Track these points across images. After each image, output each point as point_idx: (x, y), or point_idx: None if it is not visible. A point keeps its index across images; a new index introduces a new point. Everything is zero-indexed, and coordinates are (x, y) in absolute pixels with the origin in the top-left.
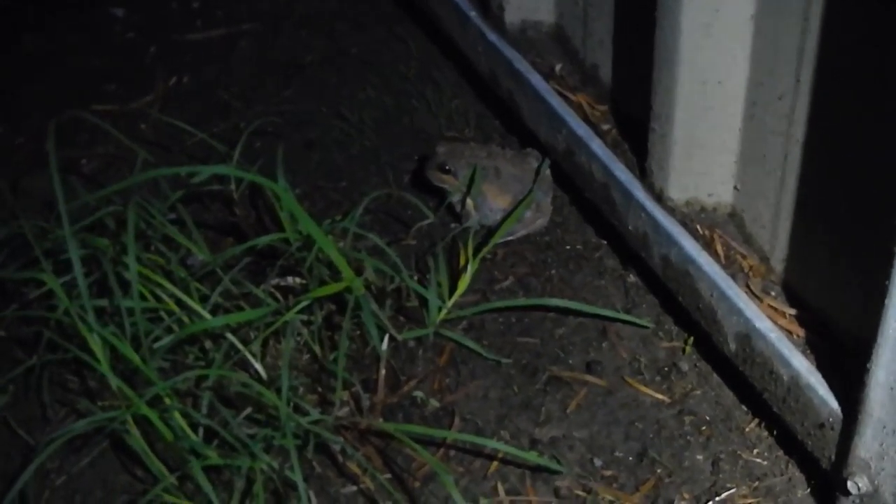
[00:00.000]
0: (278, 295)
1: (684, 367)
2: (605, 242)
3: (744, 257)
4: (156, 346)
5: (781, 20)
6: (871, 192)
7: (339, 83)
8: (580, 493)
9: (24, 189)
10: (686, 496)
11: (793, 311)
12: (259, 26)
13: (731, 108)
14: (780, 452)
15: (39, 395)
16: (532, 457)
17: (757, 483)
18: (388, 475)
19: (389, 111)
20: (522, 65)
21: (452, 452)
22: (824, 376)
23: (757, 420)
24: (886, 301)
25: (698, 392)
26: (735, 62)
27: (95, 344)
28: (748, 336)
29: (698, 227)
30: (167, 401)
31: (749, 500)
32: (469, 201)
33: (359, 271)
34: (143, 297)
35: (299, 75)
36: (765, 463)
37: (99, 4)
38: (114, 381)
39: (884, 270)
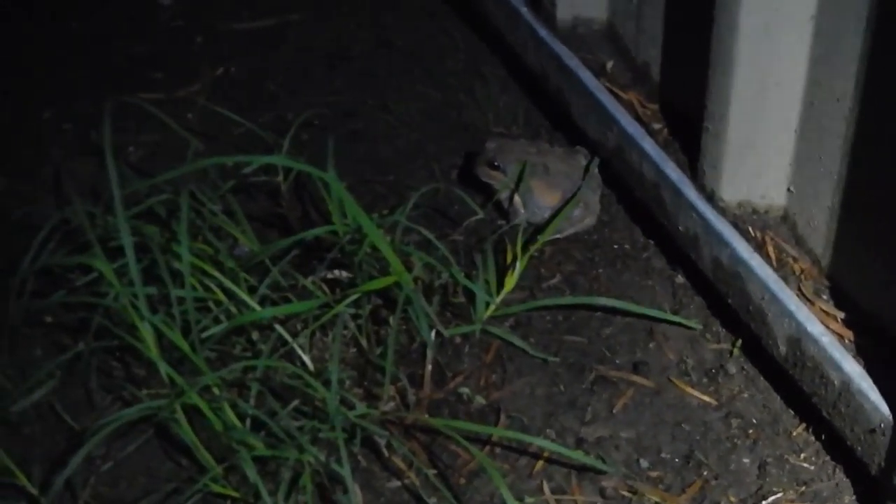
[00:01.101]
0: (326, 288)
1: (732, 369)
2: (653, 242)
3: (795, 260)
4: (205, 335)
5: (842, 20)
6: None
7: (385, 75)
8: (626, 493)
9: (71, 174)
10: (732, 499)
11: (844, 315)
12: (306, 16)
13: (788, 109)
14: (828, 457)
15: (85, 382)
16: (578, 456)
17: (803, 488)
18: (434, 470)
19: (436, 105)
20: (573, 61)
21: (498, 450)
22: (876, 381)
23: (804, 424)
24: None
25: (745, 395)
26: (794, 63)
27: (146, 331)
28: (799, 339)
29: (750, 228)
30: (216, 390)
31: None
32: (517, 198)
33: (407, 265)
34: (192, 287)
35: (346, 66)
36: (812, 467)
37: None
38: (164, 369)
39: None
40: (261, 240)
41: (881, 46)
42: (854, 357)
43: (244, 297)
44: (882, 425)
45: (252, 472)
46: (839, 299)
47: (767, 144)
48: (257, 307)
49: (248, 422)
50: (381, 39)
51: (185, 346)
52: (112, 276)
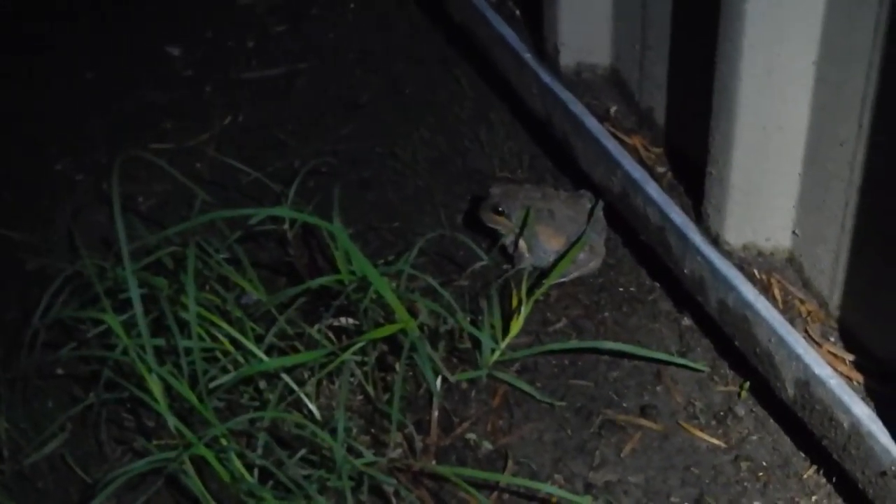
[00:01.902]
0: (332, 336)
1: (740, 411)
2: (659, 285)
3: (802, 302)
4: (212, 385)
5: (845, 66)
6: None
7: (394, 122)
8: None
9: (84, 225)
10: None
11: (852, 357)
12: (315, 64)
13: (791, 153)
14: (840, 500)
15: (96, 434)
16: (586, 501)
17: None
18: None
19: (443, 151)
20: (577, 107)
21: (506, 496)
22: (885, 424)
23: (815, 467)
24: None
25: (755, 437)
26: (796, 108)
27: (154, 383)
28: (807, 382)
29: (755, 271)
30: (224, 441)
31: None
32: (522, 243)
33: (412, 312)
34: (199, 337)
35: (355, 114)
36: None
37: (155, 43)
38: (172, 422)
39: None
40: (270, 287)
41: (884, 91)
42: (863, 399)
43: (251, 346)
44: (893, 468)
45: None
46: (847, 342)
47: (771, 188)
48: (264, 357)
49: (255, 472)
50: (390, 86)
51: (193, 398)
52: (119, 328)
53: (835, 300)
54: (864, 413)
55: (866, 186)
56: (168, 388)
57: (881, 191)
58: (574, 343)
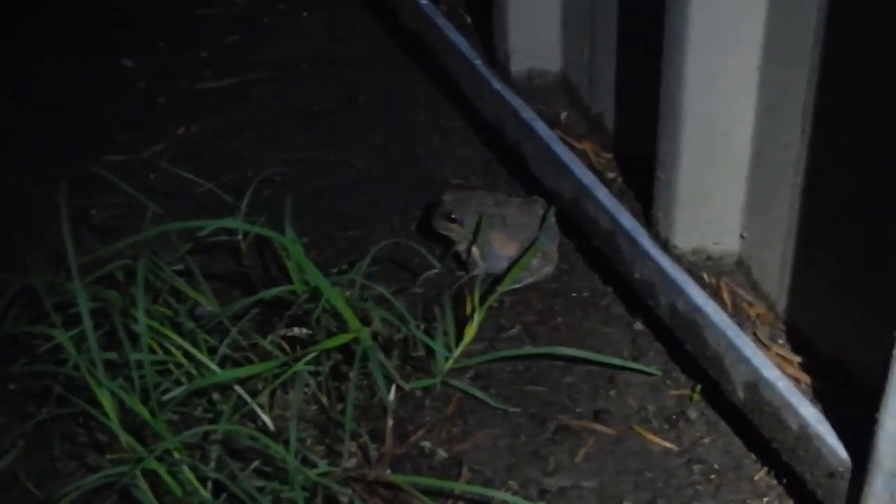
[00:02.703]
0: (286, 346)
1: (693, 415)
2: (612, 289)
3: (751, 305)
4: (164, 398)
5: (787, 70)
6: (877, 241)
7: (348, 131)
8: None
9: (38, 238)
10: None
11: (801, 360)
12: (269, 75)
13: (738, 157)
14: (791, 502)
15: (49, 449)
16: None
17: None
18: None
19: (398, 158)
20: (528, 113)
21: (461, 503)
22: (833, 425)
23: (766, 469)
24: (894, 350)
25: (707, 440)
26: (741, 112)
27: (104, 398)
28: (756, 385)
29: (705, 275)
30: (176, 454)
31: None
32: (475, 249)
33: (366, 321)
34: (151, 350)
35: (309, 123)
36: None
37: (108, 55)
38: (123, 437)
39: (891, 319)
40: (223, 299)
41: (824, 96)
42: (811, 401)
43: (203, 358)
44: (841, 469)
45: None
46: (795, 344)
47: (719, 192)
48: (217, 369)
49: (209, 485)
50: (344, 96)
51: (144, 411)
52: (69, 343)
53: (783, 303)
54: (812, 415)
55: (810, 189)
56: (121, 402)
57: (823, 194)
58: (528, 349)
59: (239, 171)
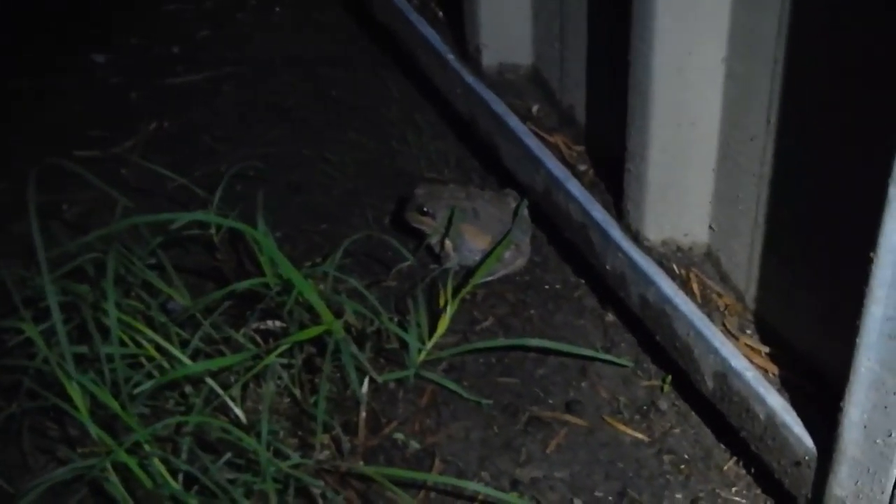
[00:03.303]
0: (258, 339)
1: (663, 405)
2: (584, 281)
3: (720, 296)
4: (135, 392)
5: (752, 63)
6: (842, 230)
7: (322, 126)
8: None
9: (8, 235)
10: None
11: (768, 349)
12: (242, 70)
13: (705, 148)
14: (759, 490)
15: (20, 443)
16: (513, 499)
17: None
18: None
19: (371, 153)
20: (500, 107)
21: (433, 495)
22: (800, 414)
23: (735, 458)
24: (857, 340)
25: (677, 430)
26: (707, 104)
27: (74, 391)
28: (725, 375)
29: (675, 266)
30: (147, 447)
31: None
32: (448, 242)
33: (339, 314)
34: (122, 344)
35: (282, 118)
36: (744, 501)
37: (80, 51)
38: (93, 430)
39: (855, 309)
40: (196, 293)
41: (788, 88)
42: (778, 391)
43: (175, 351)
44: (807, 458)
45: None
46: (763, 334)
47: (687, 184)
48: (188, 361)
49: (180, 477)
50: (317, 91)
51: (115, 404)
52: (38, 337)
53: (751, 293)
54: (779, 404)
55: (775, 182)
56: (92, 396)
57: (788, 186)
58: (500, 341)
59: (211, 166)
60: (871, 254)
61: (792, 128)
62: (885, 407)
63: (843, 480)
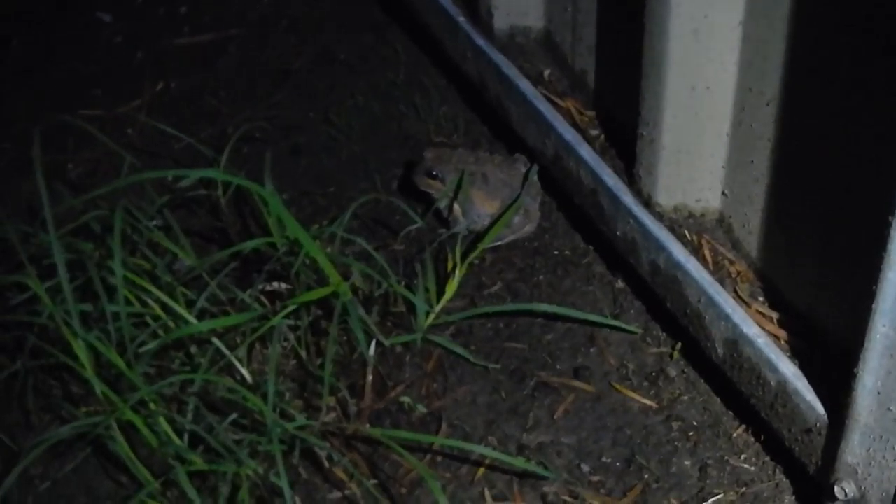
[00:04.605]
0: (265, 300)
1: (672, 372)
2: (593, 248)
3: (731, 263)
4: (141, 350)
5: (769, 26)
6: (857, 197)
7: (327, 88)
8: (567, 498)
9: (11, 194)
10: (673, 502)
11: (779, 317)
12: (247, 31)
13: (720, 113)
14: (768, 458)
15: (23, 401)
16: (519, 463)
17: (744, 489)
18: (375, 481)
19: (378, 116)
20: (511, 70)
21: (439, 458)
22: (811, 381)
23: (744, 426)
24: (873, 306)
25: (686, 398)
26: (723, 68)
27: (80, 349)
28: (736, 342)
29: (686, 232)
30: (152, 406)
31: None
32: (456, 206)
33: (346, 276)
34: (128, 302)
35: (288, 80)
36: (752, 469)
37: (86, 10)
38: (98, 387)
39: (870, 275)
40: (202, 254)
41: (804, 52)
42: (790, 358)
43: (181, 311)
44: (818, 425)
45: (188, 487)
46: (774, 301)
47: (701, 149)
48: (194, 321)
49: (185, 437)
50: (323, 53)
51: (120, 362)
52: (43, 293)
53: (763, 260)
54: (790, 371)
55: (790, 147)
56: (97, 355)
57: (803, 152)
58: (508, 306)
59: (217, 127)
60: (890, 217)
61: (808, 93)
62: None
63: (854, 448)
